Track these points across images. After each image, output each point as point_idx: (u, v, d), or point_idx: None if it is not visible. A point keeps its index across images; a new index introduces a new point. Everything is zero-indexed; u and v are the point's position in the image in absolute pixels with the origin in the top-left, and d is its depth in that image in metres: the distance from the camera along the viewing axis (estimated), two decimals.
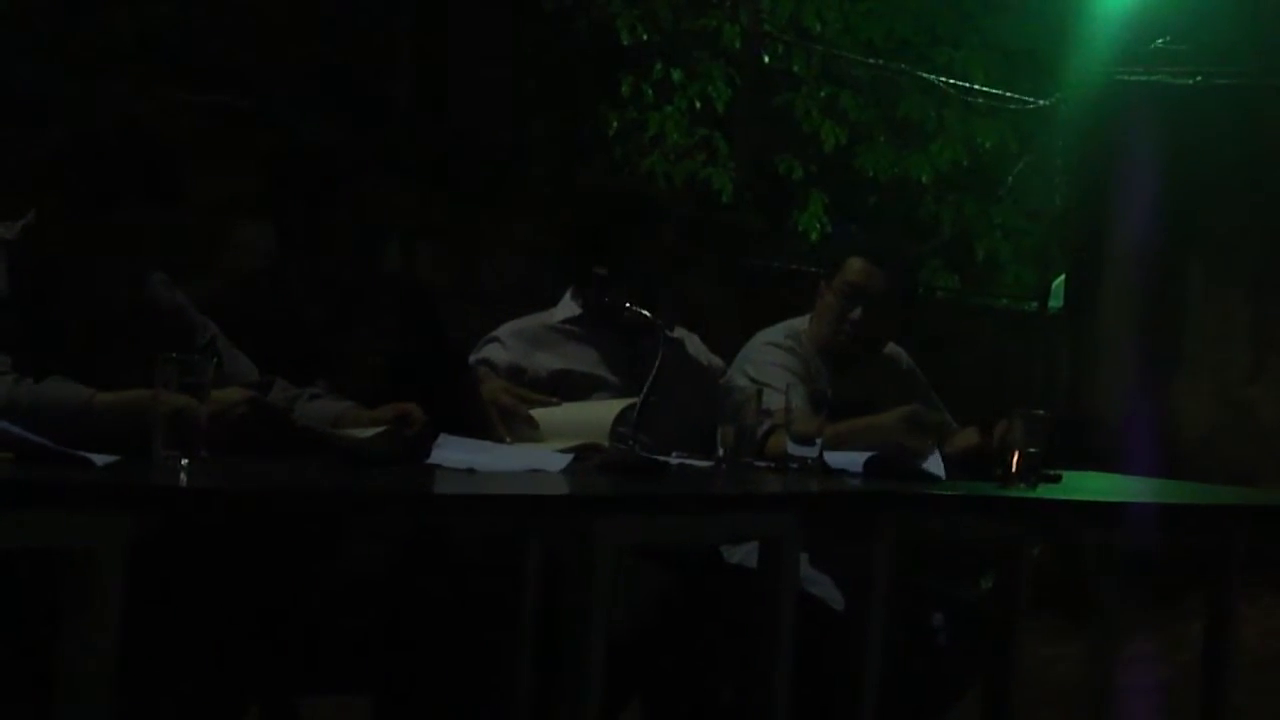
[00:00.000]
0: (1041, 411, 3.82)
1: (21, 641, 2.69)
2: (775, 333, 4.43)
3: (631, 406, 3.70)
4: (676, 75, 10.26)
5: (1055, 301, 10.33)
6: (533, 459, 3.31)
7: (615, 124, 10.14)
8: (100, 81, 7.42)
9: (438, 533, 3.23)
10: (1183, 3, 8.88)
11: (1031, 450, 3.75)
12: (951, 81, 10.41)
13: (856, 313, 4.33)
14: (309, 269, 3.74)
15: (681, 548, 3.83)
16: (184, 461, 2.65)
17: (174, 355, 2.74)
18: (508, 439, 3.72)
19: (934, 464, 3.75)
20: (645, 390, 3.78)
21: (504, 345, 4.16)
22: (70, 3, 8.03)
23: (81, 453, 2.49)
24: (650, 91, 10.25)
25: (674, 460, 3.58)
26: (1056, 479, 3.95)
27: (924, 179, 10.65)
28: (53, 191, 3.12)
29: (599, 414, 3.75)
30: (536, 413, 3.83)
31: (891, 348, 4.54)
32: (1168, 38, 8.88)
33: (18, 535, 2.26)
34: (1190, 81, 8.78)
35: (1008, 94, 10.43)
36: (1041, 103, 10.31)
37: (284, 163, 3.81)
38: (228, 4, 8.77)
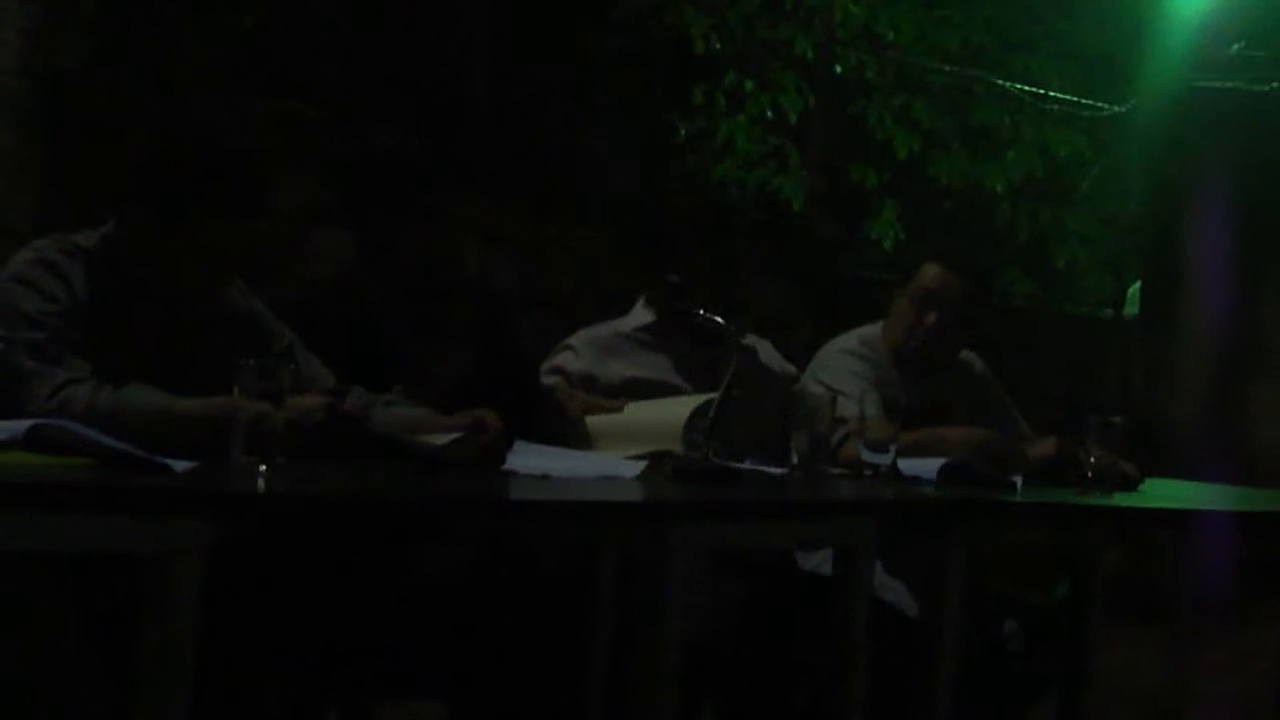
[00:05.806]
0: (1117, 419, 3.80)
1: (100, 646, 2.72)
2: (849, 340, 4.42)
3: (705, 404, 3.69)
4: (749, 85, 10.25)
5: (1131, 309, 10.27)
6: (607, 466, 3.32)
7: (684, 132, 10.15)
8: (181, 92, 7.50)
9: (513, 539, 3.24)
10: (1259, 8, 8.82)
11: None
12: (1026, 88, 10.35)
13: (931, 318, 4.31)
14: (387, 277, 3.76)
15: (756, 554, 3.83)
16: (262, 467, 2.67)
17: (252, 361, 2.76)
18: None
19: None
20: (718, 397, 3.78)
21: (577, 353, 4.16)
22: (151, 15, 8.11)
23: (160, 458, 2.51)
24: (723, 100, 10.25)
25: (748, 467, 3.58)
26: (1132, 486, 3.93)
27: (999, 187, 10.59)
28: (134, 200, 3.16)
29: (671, 415, 3.75)
30: (606, 418, 3.82)
31: (966, 354, 4.52)
32: (1243, 43, 8.82)
33: (98, 540, 2.28)
34: (1266, 88, 8.72)
35: (1083, 100, 10.36)
36: (1117, 109, 10.24)
37: (363, 171, 3.83)
38: (306, 15, 8.84)
